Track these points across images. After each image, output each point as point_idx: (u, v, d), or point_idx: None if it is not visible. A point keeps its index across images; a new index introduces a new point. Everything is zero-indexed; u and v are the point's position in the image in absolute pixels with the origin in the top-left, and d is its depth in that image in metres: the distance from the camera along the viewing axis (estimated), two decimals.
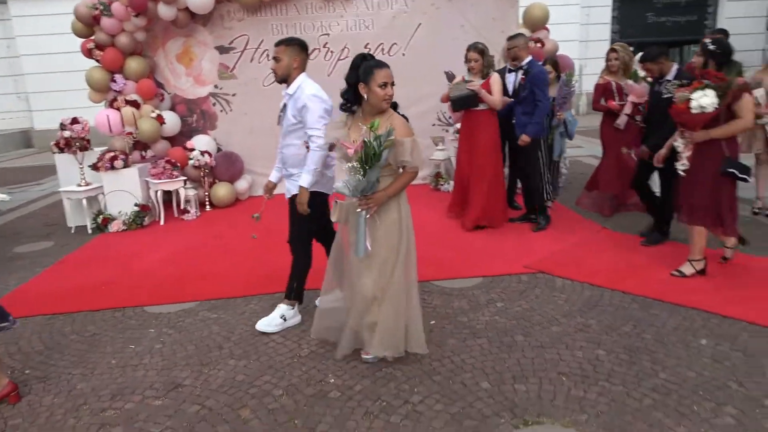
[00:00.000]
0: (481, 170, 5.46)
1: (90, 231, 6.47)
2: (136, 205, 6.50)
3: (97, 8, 6.63)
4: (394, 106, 2.98)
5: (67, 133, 6.32)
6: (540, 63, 5.81)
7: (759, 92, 5.15)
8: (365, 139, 2.70)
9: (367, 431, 2.49)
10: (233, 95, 7.73)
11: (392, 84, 2.86)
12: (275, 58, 3.37)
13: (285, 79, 3.39)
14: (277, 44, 3.39)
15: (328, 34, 7.64)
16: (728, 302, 3.61)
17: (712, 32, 6.26)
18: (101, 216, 6.44)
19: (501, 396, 2.71)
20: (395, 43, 7.70)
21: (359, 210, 2.83)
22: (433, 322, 3.55)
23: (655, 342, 3.17)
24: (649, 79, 4.89)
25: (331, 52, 7.68)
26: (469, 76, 5.37)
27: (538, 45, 7.36)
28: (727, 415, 2.49)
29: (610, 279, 4.06)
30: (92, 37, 6.90)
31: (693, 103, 3.68)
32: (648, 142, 4.61)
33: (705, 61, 3.91)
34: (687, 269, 4.06)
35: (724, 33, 5.79)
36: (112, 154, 6.50)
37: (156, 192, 6.66)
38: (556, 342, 3.21)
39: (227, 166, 7.35)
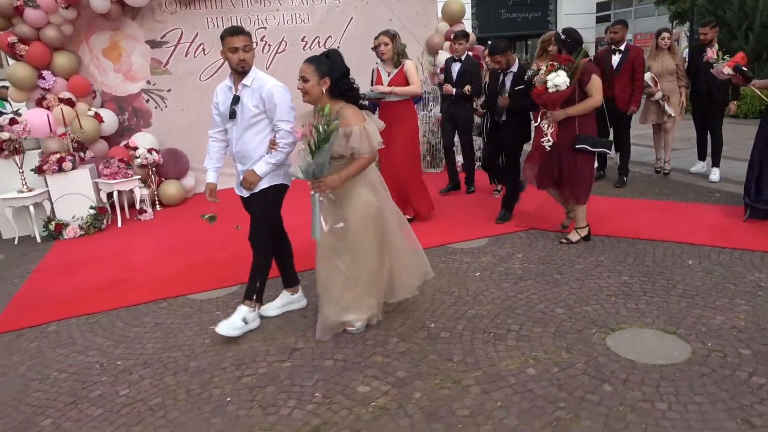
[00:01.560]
0: (408, 164, 5.27)
1: (39, 240, 5.99)
2: (92, 207, 6.13)
3: None
4: (356, 97, 3.14)
5: (5, 135, 5.77)
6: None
7: (647, 76, 6.34)
8: (314, 123, 2.92)
9: (495, 353, 2.95)
10: (168, 91, 7.51)
11: (302, 79, 3.03)
12: (246, 47, 3.18)
13: (246, 72, 3.24)
14: (244, 33, 3.20)
15: (265, 28, 7.73)
16: (688, 233, 4.59)
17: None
18: (53, 222, 5.98)
19: (578, 316, 3.32)
20: (330, 36, 8.01)
21: (312, 192, 3.01)
22: (477, 273, 4.07)
23: (657, 266, 3.99)
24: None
25: (269, 45, 7.78)
26: (382, 65, 5.28)
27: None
28: (741, 304, 3.34)
29: (591, 228, 4.87)
30: (11, 30, 6.31)
31: (549, 83, 4.11)
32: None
33: (558, 49, 4.43)
34: (573, 236, 4.55)
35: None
36: (58, 155, 6.05)
37: (112, 193, 6.33)
38: (587, 275, 3.91)
39: (174, 164, 7.15)
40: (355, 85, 3.14)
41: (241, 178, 3.33)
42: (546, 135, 4.32)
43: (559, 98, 4.20)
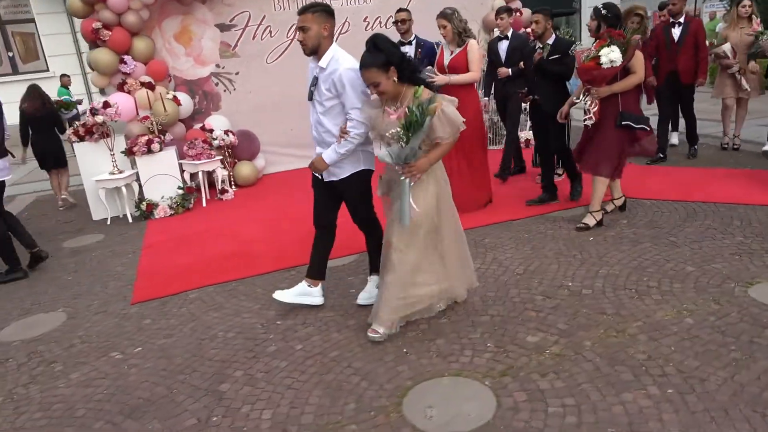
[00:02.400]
0: (469, 154, 4.98)
1: (131, 220, 6.18)
2: (179, 188, 6.32)
3: None
4: (422, 78, 3.01)
5: (100, 118, 5.95)
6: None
7: (726, 47, 6.33)
8: (408, 106, 2.78)
9: (645, 306, 3.11)
10: (236, 74, 7.64)
11: (373, 85, 2.89)
12: (301, 28, 2.99)
13: (315, 50, 3.03)
14: (301, 12, 3.01)
15: (330, 5, 7.80)
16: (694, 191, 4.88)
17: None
18: (144, 203, 6.17)
19: (711, 273, 3.46)
20: (391, 16, 8.05)
21: (403, 178, 2.87)
22: (591, 238, 4.21)
23: (766, 228, 4.12)
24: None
25: None
26: (446, 44, 5.05)
27: (518, 14, 8.25)
28: None
29: (687, 195, 4.99)
30: (94, 17, 6.46)
31: (603, 59, 3.99)
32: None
33: (598, 24, 4.30)
34: (590, 220, 4.42)
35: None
36: (146, 137, 6.22)
37: (195, 174, 6.51)
38: (701, 237, 4.03)
39: (248, 145, 7.31)
40: (415, 68, 2.97)
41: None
42: (589, 113, 4.26)
43: (611, 74, 4.11)
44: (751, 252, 3.71)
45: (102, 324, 3.67)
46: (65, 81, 10.91)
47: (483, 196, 5.20)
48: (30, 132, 6.74)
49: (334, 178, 3.22)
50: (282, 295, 3.42)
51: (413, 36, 5.72)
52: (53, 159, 6.96)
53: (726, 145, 6.71)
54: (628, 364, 2.60)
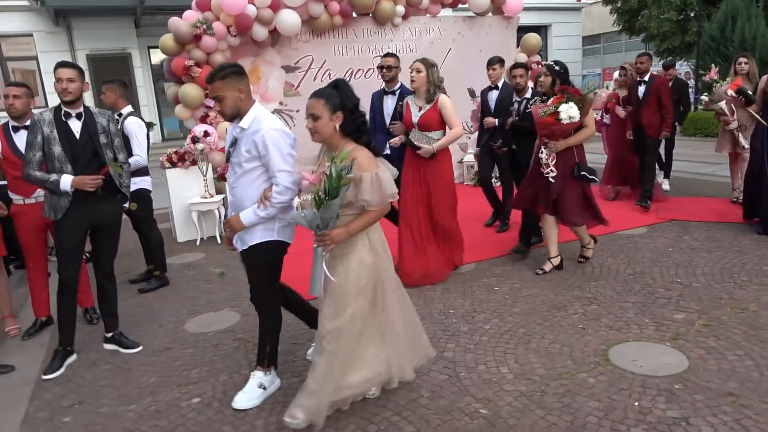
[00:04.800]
0: (440, 219, 4.66)
1: (219, 241, 6.64)
2: None
3: (198, 26, 6.87)
4: (368, 135, 2.73)
5: (200, 146, 6.47)
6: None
7: (723, 104, 6.49)
8: (326, 172, 2.50)
9: (758, 292, 3.93)
10: (297, 111, 8.32)
11: (311, 116, 2.65)
12: (216, 98, 2.85)
13: (236, 115, 2.87)
14: (209, 80, 2.85)
15: (380, 56, 8.67)
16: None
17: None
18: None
19: None
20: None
21: (315, 246, 2.63)
22: (670, 248, 5.07)
23: (749, 244, 5.11)
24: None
25: None
26: (412, 99, 4.64)
27: (540, 66, 9.39)
28: None
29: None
30: (185, 55, 7.05)
31: (563, 115, 4.17)
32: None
33: (552, 79, 4.50)
34: (547, 266, 4.66)
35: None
36: None
37: None
38: (766, 246, 4.97)
39: None
40: (365, 122, 2.74)
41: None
42: (549, 165, 4.39)
43: (570, 129, 4.31)
44: None
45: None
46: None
47: (450, 264, 4.80)
48: None
49: (242, 246, 2.96)
50: (238, 402, 3.03)
51: (398, 85, 5.11)
52: None
53: (734, 200, 6.66)
54: (766, 328, 3.39)
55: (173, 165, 6.74)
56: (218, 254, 6.15)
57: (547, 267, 4.68)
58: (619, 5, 18.36)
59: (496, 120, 5.76)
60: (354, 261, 2.67)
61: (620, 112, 7.00)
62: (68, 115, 3.61)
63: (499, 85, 5.87)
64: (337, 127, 2.62)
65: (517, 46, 9.73)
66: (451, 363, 3.28)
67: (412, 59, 8.72)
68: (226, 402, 3.07)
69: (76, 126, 3.63)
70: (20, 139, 4.11)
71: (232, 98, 2.83)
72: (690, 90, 7.43)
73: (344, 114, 2.62)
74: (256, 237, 2.91)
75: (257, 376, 3.09)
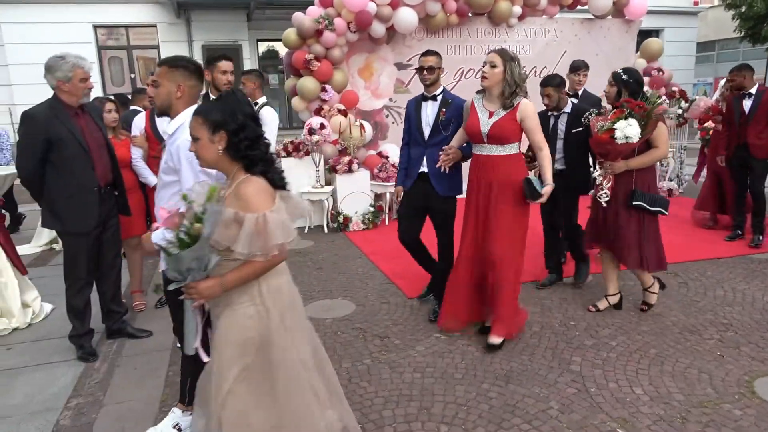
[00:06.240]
0: (511, 248, 3.59)
1: (326, 230, 6.83)
2: (371, 205, 6.97)
3: (321, 22, 7.07)
4: (266, 162, 2.12)
5: (316, 137, 6.68)
6: None
7: None
8: (183, 211, 2.02)
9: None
10: (405, 108, 8.37)
11: (192, 138, 2.12)
12: (154, 82, 2.60)
13: (165, 111, 2.55)
14: (160, 63, 2.57)
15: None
16: None
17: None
18: (341, 215, 6.83)
19: None
20: (545, 67, 8.80)
21: (181, 298, 2.14)
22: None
23: None
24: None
25: None
26: (479, 100, 3.60)
27: (661, 73, 8.92)
28: None
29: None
30: (306, 49, 7.28)
31: (618, 133, 3.56)
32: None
33: (618, 90, 3.85)
34: (602, 304, 4.10)
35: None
36: (348, 158, 6.94)
37: (384, 194, 7.17)
38: None
39: None
40: (265, 141, 2.14)
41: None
42: (603, 189, 3.82)
43: (627, 150, 3.68)
44: None
45: (398, 312, 4.24)
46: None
47: (514, 321, 3.69)
48: None
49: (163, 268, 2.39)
50: None
51: (440, 89, 4.00)
52: None
53: None
54: None
55: (288, 154, 7.00)
56: (326, 242, 6.34)
57: (602, 305, 4.11)
58: (743, 10, 17.09)
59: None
60: (230, 318, 2.10)
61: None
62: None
63: (579, 93, 5.24)
64: (220, 150, 2.07)
65: (636, 51, 9.30)
66: (579, 377, 3.20)
67: (525, 61, 8.44)
68: (351, 389, 3.15)
69: None
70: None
71: (167, 91, 2.51)
72: None
73: (227, 135, 2.06)
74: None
75: (175, 414, 2.81)
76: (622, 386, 3.08)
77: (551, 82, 4.37)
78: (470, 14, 8.27)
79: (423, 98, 4.03)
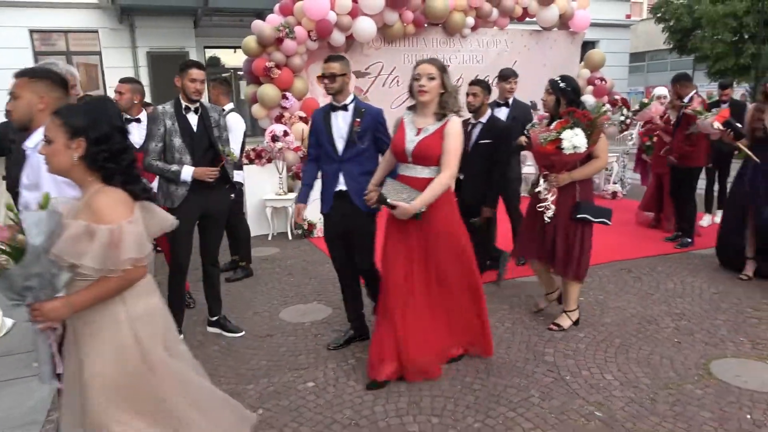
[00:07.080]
0: (459, 271, 3.29)
1: (291, 237, 6.86)
2: None
3: (281, 30, 7.12)
4: (125, 174, 1.98)
5: (279, 145, 6.71)
6: None
7: None
8: (15, 221, 1.85)
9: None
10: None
11: (44, 139, 1.97)
12: (12, 94, 2.40)
13: (25, 126, 2.40)
14: (18, 75, 2.41)
15: (448, 65, 8.78)
16: None
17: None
18: (306, 222, 6.87)
19: None
20: (497, 76, 9.15)
21: (28, 321, 1.90)
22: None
23: None
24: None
25: None
26: (410, 116, 3.26)
27: (604, 82, 9.48)
28: None
29: None
30: (266, 56, 7.31)
31: (565, 144, 3.48)
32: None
33: (557, 98, 3.76)
34: (564, 321, 3.92)
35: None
36: None
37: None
38: None
39: None
40: (125, 156, 1.99)
41: None
42: (546, 201, 3.71)
43: (573, 161, 3.63)
44: None
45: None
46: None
47: (452, 347, 3.47)
48: None
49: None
50: None
51: (350, 98, 3.58)
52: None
53: None
54: None
55: (251, 162, 6.99)
56: (291, 249, 6.37)
57: (542, 304, 4.20)
58: (672, 24, 18.27)
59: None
60: (101, 346, 1.89)
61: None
62: (188, 109, 3.86)
63: (510, 101, 5.24)
64: (76, 158, 1.90)
65: (580, 61, 9.82)
66: (554, 367, 3.40)
67: (477, 70, 9.06)
68: (340, 388, 3.24)
69: (193, 119, 3.87)
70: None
71: (28, 103, 2.37)
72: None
73: (86, 142, 1.90)
74: None
75: None
76: (594, 373, 3.30)
77: (480, 83, 4.47)
78: (426, 24, 8.51)
79: (332, 108, 3.57)
